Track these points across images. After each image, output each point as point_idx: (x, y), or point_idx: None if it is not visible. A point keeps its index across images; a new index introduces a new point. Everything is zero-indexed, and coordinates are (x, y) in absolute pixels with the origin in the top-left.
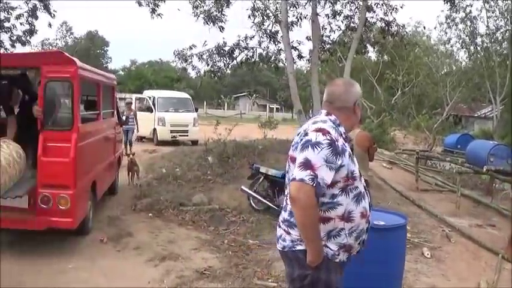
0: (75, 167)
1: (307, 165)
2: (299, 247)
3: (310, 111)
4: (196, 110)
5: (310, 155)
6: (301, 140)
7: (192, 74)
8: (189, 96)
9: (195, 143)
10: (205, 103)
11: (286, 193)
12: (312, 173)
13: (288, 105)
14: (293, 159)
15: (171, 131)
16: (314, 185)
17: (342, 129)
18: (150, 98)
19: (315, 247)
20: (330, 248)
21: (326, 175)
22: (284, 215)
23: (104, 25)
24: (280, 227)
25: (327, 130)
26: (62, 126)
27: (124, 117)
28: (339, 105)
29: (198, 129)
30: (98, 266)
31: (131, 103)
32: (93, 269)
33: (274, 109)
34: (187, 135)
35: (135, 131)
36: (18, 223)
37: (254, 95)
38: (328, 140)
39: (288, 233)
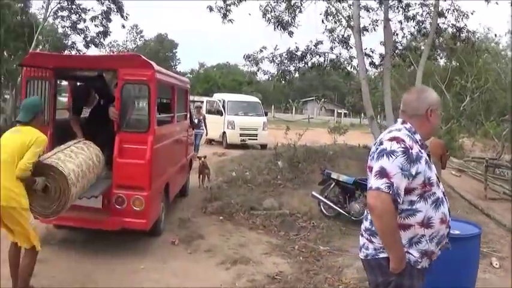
0: (151, 169)
1: (382, 173)
2: (382, 255)
3: (379, 117)
4: (266, 114)
5: (385, 163)
6: (377, 149)
7: (261, 77)
8: (258, 100)
9: (264, 147)
10: (273, 107)
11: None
12: (387, 181)
13: (355, 111)
14: (370, 169)
15: (241, 135)
16: (390, 192)
17: (417, 136)
18: (220, 101)
19: (397, 254)
20: (412, 255)
21: (401, 183)
22: (366, 224)
23: (172, 28)
24: (362, 236)
25: (401, 138)
26: (138, 128)
27: (196, 121)
28: (411, 113)
29: (267, 133)
30: (170, 268)
31: (201, 107)
32: (165, 270)
33: (342, 114)
34: (256, 139)
35: (204, 135)
36: (92, 223)
37: (322, 100)
38: (403, 148)
39: (371, 242)
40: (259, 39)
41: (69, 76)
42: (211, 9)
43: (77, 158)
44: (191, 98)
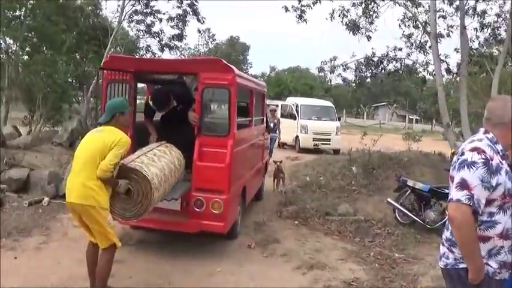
0: (230, 172)
1: (463, 185)
2: (461, 265)
3: (452, 124)
4: (339, 119)
5: (466, 174)
6: (458, 159)
7: (333, 83)
8: (332, 105)
9: (336, 151)
10: (344, 112)
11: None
12: (468, 193)
13: (427, 117)
14: (452, 179)
15: (314, 139)
16: (471, 204)
17: (499, 147)
18: (293, 105)
19: (476, 265)
20: (490, 266)
21: (482, 194)
22: (447, 233)
23: (243, 30)
24: (443, 245)
25: (482, 149)
26: (218, 132)
27: (272, 124)
28: (495, 121)
29: (340, 138)
30: (246, 271)
31: (275, 110)
32: (242, 274)
33: (414, 120)
34: (329, 144)
35: (277, 140)
36: (170, 225)
37: (394, 105)
38: (483, 159)
39: (451, 251)
40: (331, 43)
41: (149, 79)
42: (286, 9)
43: (159, 161)
44: None
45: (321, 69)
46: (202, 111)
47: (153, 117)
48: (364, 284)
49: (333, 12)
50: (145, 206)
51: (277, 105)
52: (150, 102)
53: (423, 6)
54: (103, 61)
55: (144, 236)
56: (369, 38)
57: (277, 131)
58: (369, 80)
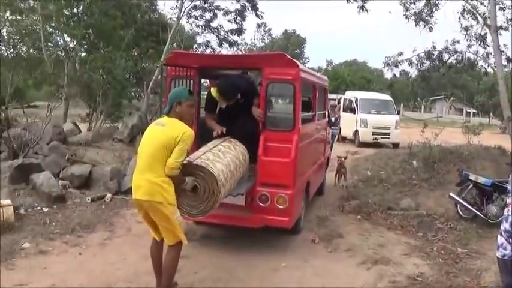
0: (295, 167)
1: None
2: None
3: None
4: (398, 113)
5: None
6: None
7: (388, 75)
8: (391, 99)
9: (396, 145)
10: (401, 105)
11: (508, 203)
12: None
13: (485, 110)
14: None
15: (373, 133)
16: None
17: None
18: (352, 99)
19: None
20: None
21: None
22: (505, 225)
23: (299, 26)
24: (501, 235)
25: None
26: (283, 126)
27: (333, 119)
28: None
29: (399, 132)
30: (311, 266)
31: (336, 105)
32: (306, 269)
33: (471, 113)
34: (389, 138)
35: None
36: (235, 220)
37: (451, 99)
38: None
39: (509, 243)
40: (388, 36)
41: (213, 75)
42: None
43: (224, 157)
44: None
45: (386, 64)
46: (267, 106)
47: (215, 111)
48: (429, 280)
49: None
50: (212, 202)
51: (334, 99)
52: (214, 93)
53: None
54: (167, 57)
55: (207, 231)
56: (431, 29)
57: (337, 128)
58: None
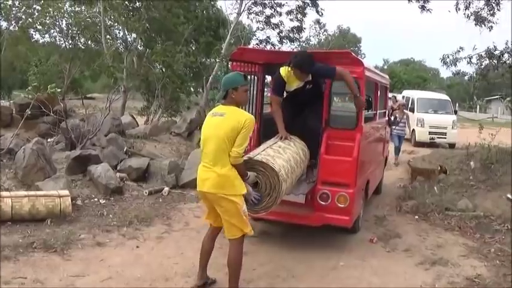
0: (357, 166)
1: None
2: None
3: None
4: (455, 113)
5: None
6: None
7: (444, 75)
8: (448, 98)
9: (452, 146)
10: (457, 105)
11: None
12: None
13: None
14: None
15: (430, 133)
16: None
17: None
18: (409, 98)
19: None
20: None
21: None
22: None
23: (355, 23)
24: None
25: None
26: (346, 125)
27: (392, 118)
28: None
29: (456, 132)
30: (369, 266)
31: (404, 104)
32: (365, 269)
33: None
34: (445, 138)
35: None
36: (295, 217)
37: (507, 99)
38: None
39: None
40: (447, 35)
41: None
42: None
43: (285, 153)
44: None
45: (443, 62)
46: (330, 104)
47: (282, 94)
48: (487, 281)
49: (457, 4)
50: (274, 198)
51: (402, 98)
52: (284, 72)
53: None
54: (232, 52)
55: (265, 228)
56: (491, 28)
57: (405, 127)
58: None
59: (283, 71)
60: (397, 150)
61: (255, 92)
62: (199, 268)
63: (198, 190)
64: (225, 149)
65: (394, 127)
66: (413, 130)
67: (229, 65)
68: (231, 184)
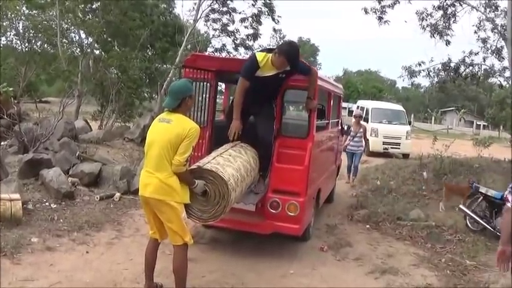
0: (308, 174)
1: None
2: None
3: None
4: (410, 123)
5: None
6: None
7: (399, 85)
8: (403, 109)
9: (406, 156)
10: (412, 116)
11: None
12: None
13: (495, 123)
14: None
15: (384, 143)
16: None
17: None
18: (363, 108)
19: None
20: None
21: None
22: None
23: (315, 34)
24: None
25: None
26: (298, 133)
27: (346, 126)
28: None
29: (410, 143)
30: (319, 274)
31: (361, 116)
32: (314, 277)
33: (481, 126)
34: (399, 148)
35: (363, 153)
36: (245, 225)
37: (462, 111)
38: None
39: None
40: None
41: (229, 79)
42: (366, 11)
43: (235, 162)
44: None
45: (405, 71)
46: (283, 112)
47: (250, 79)
48: None
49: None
50: (223, 206)
51: (359, 108)
52: (261, 57)
53: (500, 11)
54: (185, 59)
55: (216, 235)
56: (448, 43)
57: (361, 143)
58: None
59: (260, 56)
60: (351, 168)
61: (207, 99)
62: (146, 278)
63: (140, 195)
64: (168, 156)
65: (348, 142)
66: (367, 140)
67: (182, 72)
68: (172, 190)
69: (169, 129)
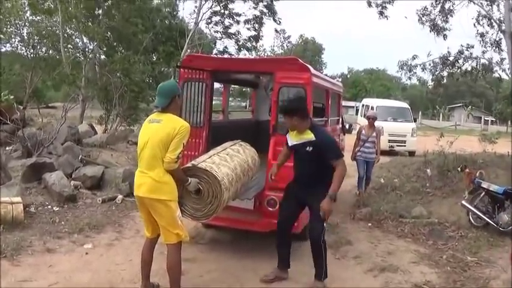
0: None
1: None
2: None
3: None
4: (415, 121)
5: None
6: None
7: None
8: (408, 106)
9: (412, 153)
10: (420, 113)
11: None
12: None
13: (503, 118)
14: None
15: (389, 141)
16: None
17: None
18: (369, 106)
19: None
20: None
21: None
22: None
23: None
24: None
25: None
26: None
27: (347, 125)
28: None
29: (415, 140)
30: None
31: (375, 117)
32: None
33: (489, 121)
34: (404, 146)
35: (375, 161)
36: (243, 224)
37: (469, 107)
38: None
39: None
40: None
41: (225, 79)
42: (369, 4)
43: (232, 161)
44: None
45: (402, 66)
46: (278, 110)
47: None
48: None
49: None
50: (215, 206)
51: (372, 108)
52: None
53: (497, 5)
54: (181, 60)
55: (215, 235)
56: (445, 37)
57: (374, 150)
58: (445, 80)
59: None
60: (362, 181)
61: (203, 99)
62: (142, 278)
63: (134, 195)
64: (159, 154)
65: (359, 149)
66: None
67: (177, 72)
68: (165, 189)
69: (160, 129)
